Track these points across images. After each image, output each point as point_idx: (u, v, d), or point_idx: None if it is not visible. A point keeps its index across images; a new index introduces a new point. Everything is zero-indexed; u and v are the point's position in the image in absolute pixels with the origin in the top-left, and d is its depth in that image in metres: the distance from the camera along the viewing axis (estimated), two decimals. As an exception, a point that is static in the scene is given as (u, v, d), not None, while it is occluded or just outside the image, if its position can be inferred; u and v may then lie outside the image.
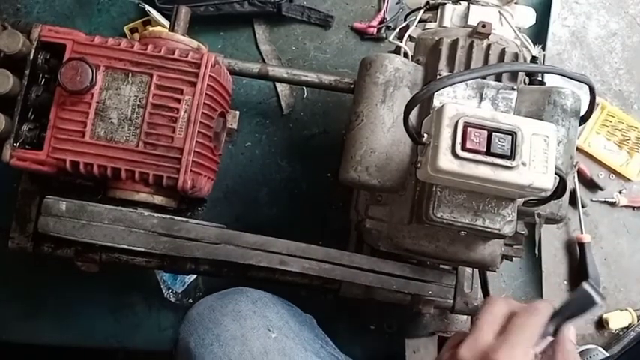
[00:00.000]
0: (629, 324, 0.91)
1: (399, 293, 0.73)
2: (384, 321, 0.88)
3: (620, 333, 0.92)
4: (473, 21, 0.69)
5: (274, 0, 0.90)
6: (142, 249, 0.61)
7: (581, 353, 0.89)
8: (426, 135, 0.54)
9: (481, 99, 0.64)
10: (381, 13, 0.93)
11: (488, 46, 0.66)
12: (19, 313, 0.86)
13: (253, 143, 0.91)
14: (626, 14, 0.99)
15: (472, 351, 0.46)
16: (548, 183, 0.51)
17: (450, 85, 0.56)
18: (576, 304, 0.50)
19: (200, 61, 0.64)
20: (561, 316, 0.49)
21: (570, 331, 0.49)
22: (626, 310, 0.92)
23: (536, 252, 0.73)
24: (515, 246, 0.67)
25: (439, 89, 0.55)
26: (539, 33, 0.91)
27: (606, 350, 0.89)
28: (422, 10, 0.74)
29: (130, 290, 0.87)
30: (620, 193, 0.94)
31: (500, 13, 0.71)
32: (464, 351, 0.47)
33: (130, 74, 0.64)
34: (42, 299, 0.86)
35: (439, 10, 0.72)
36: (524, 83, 0.69)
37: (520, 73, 0.67)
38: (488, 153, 0.50)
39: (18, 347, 0.86)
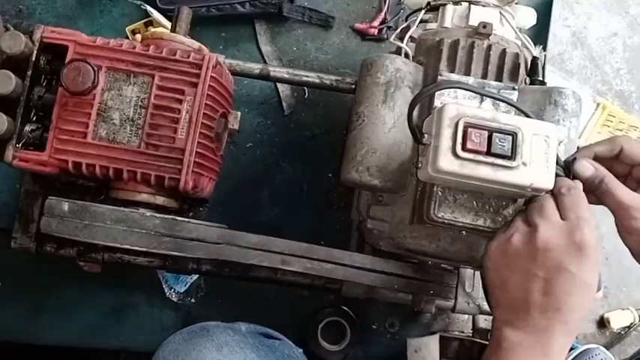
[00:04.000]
0: (631, 323, 0.92)
1: (401, 293, 0.73)
2: (385, 321, 0.88)
3: (622, 332, 0.92)
4: (474, 21, 0.69)
5: (275, 1, 0.90)
6: (144, 249, 0.61)
7: (582, 352, 0.89)
8: (426, 135, 0.54)
9: (482, 99, 0.64)
10: (382, 13, 0.94)
11: (489, 47, 0.67)
12: (21, 314, 0.86)
13: (255, 144, 0.91)
14: (627, 14, 0.99)
15: (554, 231, 0.50)
16: (549, 183, 0.52)
17: (459, 88, 0.56)
18: None
19: (201, 62, 0.64)
20: None
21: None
22: (627, 309, 0.92)
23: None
24: (516, 246, 0.67)
25: (447, 88, 0.55)
26: (540, 33, 0.92)
27: (608, 350, 0.89)
28: (423, 11, 0.74)
29: (132, 290, 0.87)
30: (621, 192, 0.94)
31: (500, 13, 0.71)
32: (546, 231, 0.50)
33: (132, 75, 0.64)
34: (44, 299, 0.86)
35: (440, 11, 0.73)
36: (525, 83, 0.69)
37: (521, 73, 0.68)
38: (488, 153, 0.51)
39: (20, 347, 0.86)
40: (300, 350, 0.73)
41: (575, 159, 0.56)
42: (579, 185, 0.55)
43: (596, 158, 0.58)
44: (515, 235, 0.52)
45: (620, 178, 0.57)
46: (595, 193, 0.56)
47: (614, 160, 0.58)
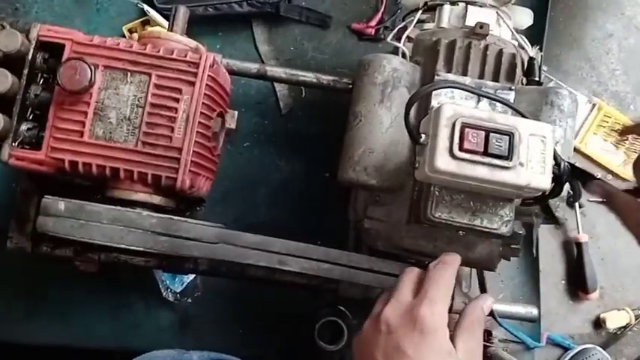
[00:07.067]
0: (627, 324, 0.92)
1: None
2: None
3: (618, 333, 0.92)
4: (470, 22, 0.69)
5: (273, 0, 0.90)
6: (141, 249, 0.61)
7: (579, 353, 0.90)
8: (423, 135, 0.54)
9: (479, 99, 0.64)
10: (379, 13, 0.94)
11: (486, 47, 0.67)
12: (18, 314, 0.86)
13: (252, 143, 0.91)
14: (622, 15, 0.99)
15: (396, 311, 0.47)
16: (546, 183, 0.52)
17: (456, 88, 0.56)
18: None
19: (199, 61, 0.64)
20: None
21: (485, 299, 0.51)
22: (623, 309, 0.92)
23: (534, 252, 0.73)
24: (512, 246, 0.68)
25: (444, 88, 0.56)
26: (536, 34, 0.92)
27: (604, 350, 0.90)
28: (420, 11, 0.74)
29: (129, 290, 0.86)
30: (617, 193, 0.94)
31: (497, 13, 0.71)
32: (388, 312, 0.48)
33: (129, 74, 0.64)
34: (40, 299, 0.86)
35: (437, 11, 0.73)
36: (522, 83, 0.69)
37: (518, 73, 0.68)
38: (485, 153, 0.51)
39: (16, 347, 0.86)
40: None
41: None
42: (454, 261, 0.52)
43: None
44: (367, 320, 0.50)
45: None
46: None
47: None
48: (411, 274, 0.52)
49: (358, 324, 0.86)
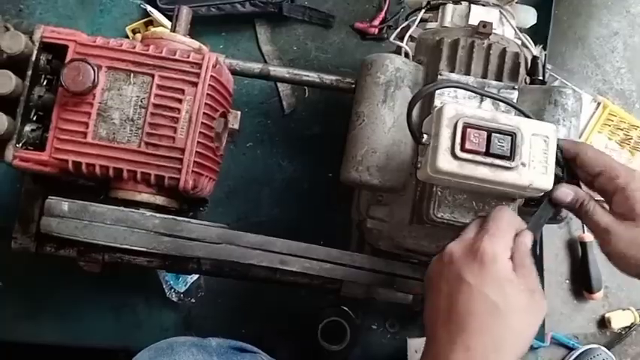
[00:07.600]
0: (632, 323, 0.91)
1: (401, 293, 0.73)
2: (385, 321, 0.88)
3: (623, 332, 0.92)
4: (474, 21, 0.69)
5: (276, 0, 0.90)
6: (144, 249, 0.61)
7: (584, 353, 0.89)
8: (426, 135, 0.54)
9: (482, 99, 0.64)
10: (382, 13, 0.94)
11: (489, 46, 0.66)
12: (21, 313, 0.86)
13: (255, 143, 0.91)
14: (627, 13, 0.99)
15: (458, 245, 0.50)
16: (548, 183, 0.51)
17: (459, 87, 0.56)
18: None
19: (201, 62, 0.64)
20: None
21: (527, 236, 0.51)
22: (628, 309, 0.92)
23: (538, 251, 0.73)
24: (516, 246, 0.67)
25: (446, 87, 0.56)
26: (540, 32, 0.91)
27: (609, 350, 0.89)
28: (423, 10, 0.74)
29: (132, 290, 0.87)
30: (622, 192, 0.93)
31: (501, 12, 0.71)
32: (452, 246, 0.50)
33: (132, 75, 0.64)
34: (44, 299, 0.86)
35: (440, 10, 0.73)
36: (525, 83, 0.69)
37: (521, 72, 0.67)
38: (487, 153, 0.50)
39: (19, 347, 0.86)
40: None
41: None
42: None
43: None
44: (435, 256, 0.52)
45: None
46: (577, 216, 0.56)
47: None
48: (479, 219, 0.53)
49: (361, 324, 0.86)
